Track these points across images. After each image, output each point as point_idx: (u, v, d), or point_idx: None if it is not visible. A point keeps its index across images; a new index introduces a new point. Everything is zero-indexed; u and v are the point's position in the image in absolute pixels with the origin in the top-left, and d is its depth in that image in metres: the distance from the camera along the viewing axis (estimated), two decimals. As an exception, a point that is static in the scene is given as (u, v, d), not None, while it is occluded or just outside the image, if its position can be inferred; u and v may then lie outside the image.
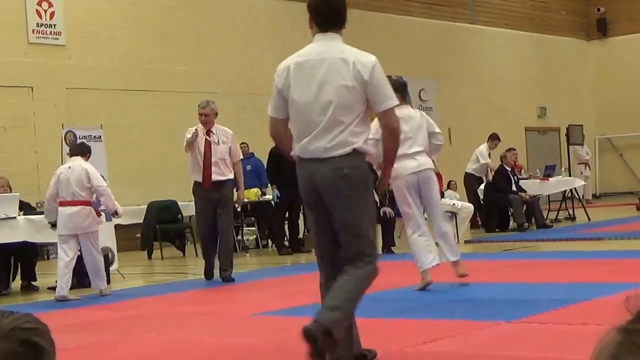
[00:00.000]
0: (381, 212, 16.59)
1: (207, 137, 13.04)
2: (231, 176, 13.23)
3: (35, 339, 2.02)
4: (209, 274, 13.43)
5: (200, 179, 13.09)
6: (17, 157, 18.58)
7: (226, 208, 13.20)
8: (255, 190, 18.88)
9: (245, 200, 18.94)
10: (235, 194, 13.87)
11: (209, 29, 23.10)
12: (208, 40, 22.96)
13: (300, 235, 18.92)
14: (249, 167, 18.63)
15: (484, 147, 22.52)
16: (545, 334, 7.78)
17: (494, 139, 22.66)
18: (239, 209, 17.09)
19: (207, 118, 13.07)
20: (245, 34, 23.79)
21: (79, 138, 15.54)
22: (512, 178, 20.21)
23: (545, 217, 21.32)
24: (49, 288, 13.81)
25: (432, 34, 29.05)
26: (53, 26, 20.52)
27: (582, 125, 27.42)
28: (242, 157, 13.50)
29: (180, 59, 22.19)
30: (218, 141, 13.07)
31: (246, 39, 23.78)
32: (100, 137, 15.89)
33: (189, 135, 13.01)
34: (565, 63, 31.84)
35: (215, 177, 12.96)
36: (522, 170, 23.22)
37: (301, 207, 18.60)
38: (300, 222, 19.06)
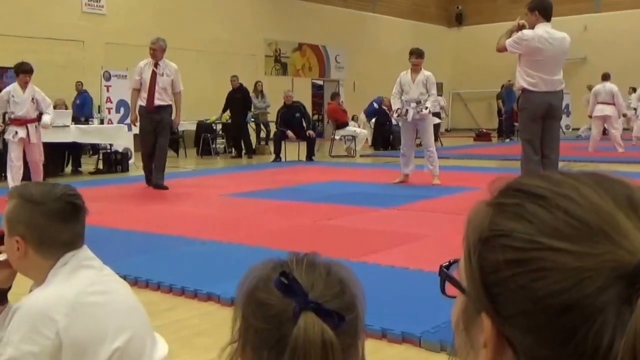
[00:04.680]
0: (307, 133, 16.74)
1: (154, 69, 11.00)
2: (170, 102, 11.16)
3: (76, 201, 2.13)
4: (149, 180, 11.28)
5: (144, 103, 11.02)
6: (71, 87, 18.35)
7: (164, 129, 11.14)
8: (226, 114, 18.80)
9: (218, 121, 19.01)
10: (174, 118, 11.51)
11: (201, 6, 22.90)
12: (199, 13, 22.73)
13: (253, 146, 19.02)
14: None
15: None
16: (411, 216, 7.87)
17: None
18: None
19: (155, 52, 11.07)
20: (227, 7, 23.62)
21: (112, 76, 15.99)
22: (389, 115, 20.28)
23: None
24: (89, 172, 14.03)
25: (346, 18, 28.86)
26: (98, 0, 20.66)
27: (442, 83, 27.65)
28: (182, 88, 11.32)
29: (179, 28, 21.89)
30: (163, 73, 11.00)
31: (227, 11, 23.61)
32: (126, 76, 16.12)
33: (137, 78, 11.14)
34: (434, 43, 31.77)
35: (157, 102, 10.93)
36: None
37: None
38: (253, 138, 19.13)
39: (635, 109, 19.48)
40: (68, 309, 1.95)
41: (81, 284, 2.04)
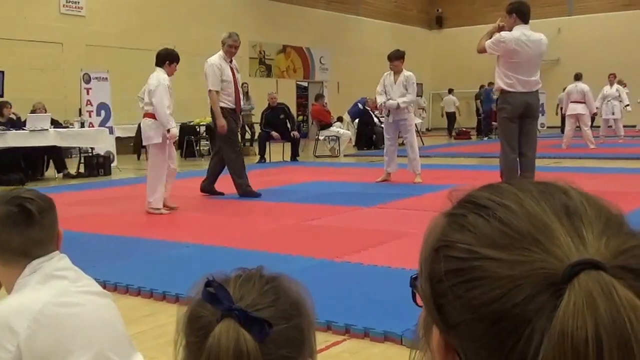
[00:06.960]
0: (291, 134, 16.71)
1: (231, 66, 9.46)
2: None
3: (26, 204, 1.96)
4: (249, 188, 9.87)
5: (233, 105, 9.47)
6: (51, 90, 18.20)
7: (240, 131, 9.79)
8: (209, 118, 18.75)
9: (202, 123, 18.91)
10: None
11: (185, 8, 22.84)
12: (182, 15, 22.69)
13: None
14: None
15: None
16: (393, 214, 7.86)
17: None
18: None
19: (237, 50, 9.54)
20: (210, 9, 23.57)
21: (92, 79, 15.62)
22: (373, 116, 20.25)
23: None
24: (71, 176, 13.82)
25: (329, 21, 28.89)
26: (77, 2, 20.23)
27: (422, 84, 27.66)
28: None
29: (161, 30, 21.84)
30: (237, 70, 9.62)
31: (210, 13, 23.57)
32: (106, 78, 15.91)
33: (220, 78, 9.32)
34: (415, 44, 31.83)
35: (242, 103, 9.81)
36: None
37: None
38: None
39: (597, 108, 19.58)
40: (30, 321, 1.83)
41: (48, 295, 1.91)
